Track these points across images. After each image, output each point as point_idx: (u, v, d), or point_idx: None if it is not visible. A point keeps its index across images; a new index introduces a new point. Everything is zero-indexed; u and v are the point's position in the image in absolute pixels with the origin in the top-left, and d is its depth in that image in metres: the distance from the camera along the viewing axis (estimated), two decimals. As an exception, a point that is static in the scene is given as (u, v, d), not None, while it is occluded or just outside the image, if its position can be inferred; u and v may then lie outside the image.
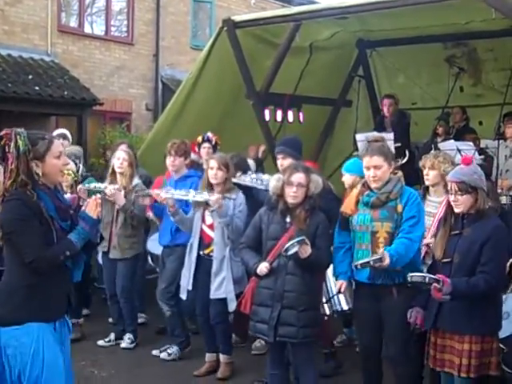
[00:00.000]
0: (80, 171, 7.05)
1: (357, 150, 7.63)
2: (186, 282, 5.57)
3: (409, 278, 3.91)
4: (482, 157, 7.51)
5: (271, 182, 4.72)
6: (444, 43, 9.27)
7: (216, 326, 5.56)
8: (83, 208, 3.58)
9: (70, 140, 8.04)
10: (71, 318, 4.20)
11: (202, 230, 5.55)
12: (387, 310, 4.37)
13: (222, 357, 5.63)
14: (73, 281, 3.57)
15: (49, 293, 3.37)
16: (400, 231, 4.33)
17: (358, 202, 4.49)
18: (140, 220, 6.23)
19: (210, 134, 7.10)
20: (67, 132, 8.01)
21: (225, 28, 8.27)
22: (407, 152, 7.14)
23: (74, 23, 14.16)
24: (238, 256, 5.18)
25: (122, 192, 6.04)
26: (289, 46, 8.45)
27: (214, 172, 5.41)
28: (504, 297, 4.55)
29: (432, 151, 5.95)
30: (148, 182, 6.70)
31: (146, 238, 7.03)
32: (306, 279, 4.52)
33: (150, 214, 6.44)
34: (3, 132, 3.36)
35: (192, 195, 5.45)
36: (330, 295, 4.93)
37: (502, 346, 4.25)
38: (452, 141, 7.95)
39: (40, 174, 3.38)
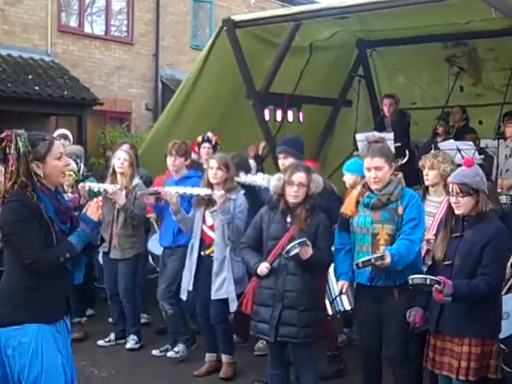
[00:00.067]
0: (81, 171, 7.07)
1: (357, 149, 7.63)
2: (187, 282, 5.57)
3: (410, 281, 3.89)
4: (482, 156, 7.51)
5: (272, 181, 4.71)
6: (444, 43, 9.27)
7: (216, 326, 5.56)
8: (84, 210, 3.58)
9: (71, 140, 8.05)
10: (74, 316, 4.20)
11: (202, 231, 5.55)
12: (388, 311, 4.37)
13: (224, 357, 5.63)
14: (74, 283, 3.57)
15: (48, 294, 3.37)
16: (401, 233, 4.32)
17: (357, 203, 4.47)
18: (140, 220, 6.23)
19: (209, 134, 7.09)
20: (68, 132, 8.01)
21: (225, 28, 8.27)
22: (407, 152, 7.14)
23: (73, 23, 14.16)
24: (238, 256, 5.18)
25: (124, 192, 6.04)
26: (289, 46, 8.45)
27: (213, 172, 5.41)
28: (504, 298, 4.54)
29: (432, 151, 5.95)
30: (148, 182, 6.71)
31: (147, 238, 7.04)
32: (306, 279, 4.52)
33: (151, 215, 6.43)
34: (4, 134, 3.36)
35: (197, 190, 5.48)
36: (333, 296, 4.92)
37: (502, 346, 4.25)
38: (452, 140, 7.95)
39: (41, 175, 3.37)
